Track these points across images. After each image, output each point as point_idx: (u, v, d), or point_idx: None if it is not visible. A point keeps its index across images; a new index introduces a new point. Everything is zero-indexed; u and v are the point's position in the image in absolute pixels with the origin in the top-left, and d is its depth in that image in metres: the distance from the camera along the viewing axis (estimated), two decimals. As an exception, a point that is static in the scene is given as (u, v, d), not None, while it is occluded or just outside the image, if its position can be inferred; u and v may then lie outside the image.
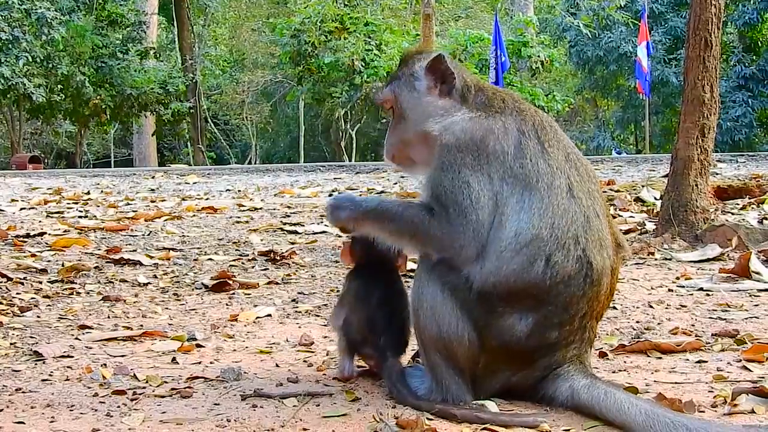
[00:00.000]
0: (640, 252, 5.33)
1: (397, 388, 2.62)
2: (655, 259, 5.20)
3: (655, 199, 7.19)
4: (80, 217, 8.27)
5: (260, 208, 8.81)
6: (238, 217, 8.02)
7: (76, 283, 4.77)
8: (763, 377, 2.80)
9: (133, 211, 8.68)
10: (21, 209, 9.17)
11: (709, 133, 5.50)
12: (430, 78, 2.73)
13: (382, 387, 2.73)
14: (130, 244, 6.33)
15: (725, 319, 3.71)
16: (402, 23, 30.35)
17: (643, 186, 7.97)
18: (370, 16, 27.11)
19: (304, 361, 3.15)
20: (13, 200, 10.29)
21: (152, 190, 12.10)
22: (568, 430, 2.38)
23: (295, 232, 6.87)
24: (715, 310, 3.88)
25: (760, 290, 4.27)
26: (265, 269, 5.23)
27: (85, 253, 5.87)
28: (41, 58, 25.38)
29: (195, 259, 5.59)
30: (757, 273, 4.49)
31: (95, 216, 8.34)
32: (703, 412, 2.50)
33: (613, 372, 2.95)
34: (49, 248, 6.07)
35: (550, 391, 2.54)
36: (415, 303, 2.60)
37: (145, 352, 3.32)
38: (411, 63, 2.81)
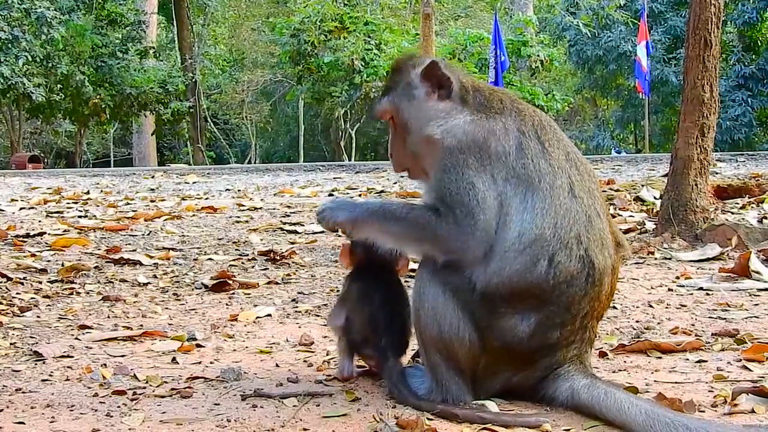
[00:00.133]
0: (640, 251, 5.33)
1: (398, 389, 2.62)
2: (655, 259, 5.20)
3: (655, 198, 7.19)
4: (80, 216, 8.27)
5: (260, 208, 8.81)
6: (238, 217, 8.02)
7: (75, 283, 4.77)
8: (763, 377, 2.80)
9: (133, 211, 8.68)
10: (21, 209, 9.17)
11: (709, 133, 5.50)
12: (427, 84, 2.71)
13: (382, 387, 2.73)
14: (129, 244, 6.33)
15: (725, 318, 3.71)
16: (402, 22, 30.34)
17: (642, 185, 7.97)
18: (369, 15, 27.10)
19: (304, 361, 3.15)
20: (12, 200, 10.28)
21: (152, 189, 12.10)
22: (569, 430, 2.38)
23: (295, 232, 6.87)
24: (715, 310, 3.88)
25: (760, 290, 4.28)
26: (265, 269, 5.23)
27: (85, 252, 5.87)
28: (41, 57, 25.37)
29: (195, 259, 5.59)
30: (757, 272, 4.49)
31: (95, 216, 8.34)
32: (703, 411, 2.51)
33: (613, 372, 2.95)
34: (48, 248, 6.07)
35: (551, 391, 2.54)
36: (416, 303, 2.59)
37: (145, 352, 3.32)
38: (405, 72, 2.77)
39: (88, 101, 27.77)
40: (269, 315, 3.97)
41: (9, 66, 24.25)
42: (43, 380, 2.92)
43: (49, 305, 4.23)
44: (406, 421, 2.36)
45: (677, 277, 4.64)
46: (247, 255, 5.71)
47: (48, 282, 4.80)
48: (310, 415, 2.51)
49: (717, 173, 10.08)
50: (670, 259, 5.18)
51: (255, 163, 34.84)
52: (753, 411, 2.47)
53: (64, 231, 7.07)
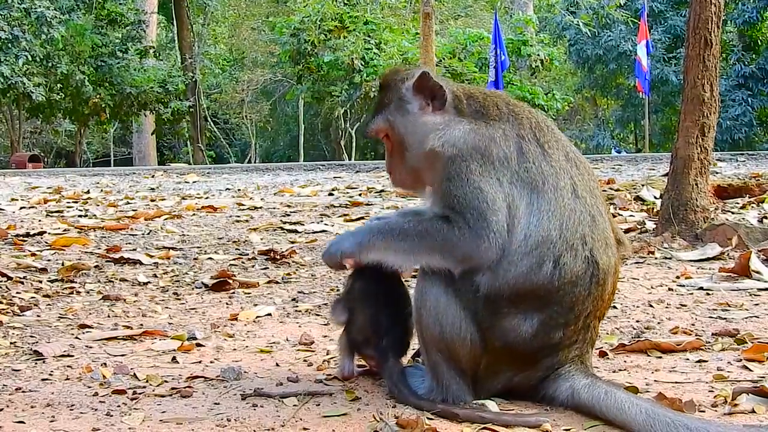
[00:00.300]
0: (640, 251, 5.33)
1: (399, 388, 2.61)
2: (655, 258, 5.20)
3: (655, 198, 7.19)
4: (80, 216, 8.27)
5: (260, 207, 8.81)
6: (238, 216, 8.02)
7: (76, 283, 4.77)
8: (763, 377, 2.80)
9: (133, 210, 8.67)
10: (21, 208, 9.17)
11: (709, 132, 5.50)
12: (420, 97, 2.68)
13: (383, 386, 2.73)
14: (130, 243, 6.33)
15: (725, 318, 3.71)
16: (402, 22, 30.33)
17: (643, 185, 7.97)
18: (369, 14, 27.08)
19: (305, 361, 3.15)
20: (12, 199, 10.29)
21: (152, 189, 12.10)
22: (569, 429, 2.38)
23: (295, 231, 6.87)
24: (716, 310, 3.88)
25: (760, 289, 4.27)
26: (265, 268, 5.23)
27: (85, 252, 5.87)
28: (41, 57, 25.37)
29: (195, 258, 5.59)
30: (757, 272, 4.49)
31: (95, 215, 8.34)
32: (704, 411, 2.50)
33: (614, 371, 2.95)
34: (49, 247, 6.07)
35: (551, 390, 2.54)
36: (418, 302, 2.59)
37: (145, 352, 3.32)
38: (395, 87, 2.74)
39: (88, 101, 27.77)
40: (269, 314, 3.96)
41: (9, 65, 24.25)
42: (43, 379, 2.92)
43: (49, 304, 4.23)
44: (406, 420, 2.36)
45: (677, 277, 4.64)
46: (247, 254, 5.70)
47: (48, 281, 4.80)
48: (310, 415, 2.51)
49: (717, 173, 10.08)
50: (670, 258, 5.18)
51: (255, 162, 34.83)
52: (753, 411, 2.47)
53: (65, 230, 7.07)
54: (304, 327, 3.69)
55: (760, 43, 31.94)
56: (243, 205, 9.08)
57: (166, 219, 7.85)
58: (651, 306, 3.99)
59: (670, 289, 4.37)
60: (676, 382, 2.80)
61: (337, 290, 4.16)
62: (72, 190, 11.80)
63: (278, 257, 5.47)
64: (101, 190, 11.79)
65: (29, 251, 5.83)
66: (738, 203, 6.46)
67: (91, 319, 3.91)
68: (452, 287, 2.50)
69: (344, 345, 2.86)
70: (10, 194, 11.20)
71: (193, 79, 29.68)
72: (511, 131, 2.59)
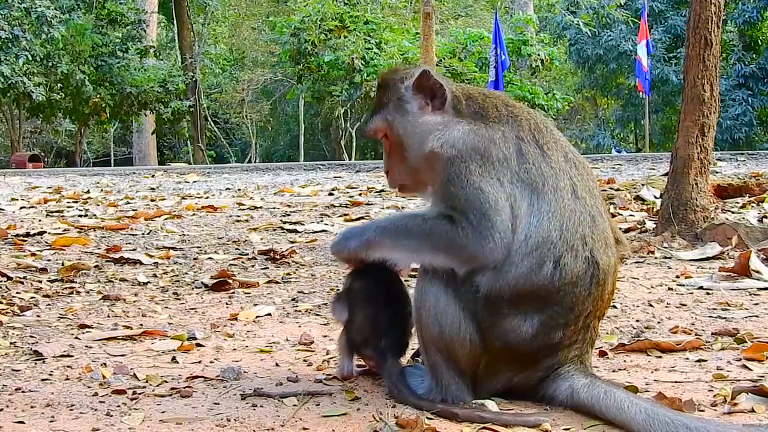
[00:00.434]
0: (640, 251, 5.33)
1: (398, 388, 2.61)
2: (655, 258, 5.20)
3: (655, 197, 7.18)
4: (80, 216, 8.27)
5: (260, 207, 8.81)
6: (238, 216, 8.02)
7: (75, 283, 4.77)
8: (763, 376, 2.80)
9: (133, 210, 8.68)
10: (21, 208, 9.17)
11: (709, 132, 5.50)
12: (420, 96, 2.67)
13: (382, 386, 2.73)
14: (130, 243, 6.33)
15: (725, 317, 3.71)
16: (402, 21, 30.33)
17: (643, 185, 7.97)
18: (369, 14, 27.07)
19: (304, 361, 3.15)
20: (12, 199, 10.29)
21: (152, 188, 12.10)
22: (568, 429, 2.38)
23: (295, 231, 6.87)
24: (715, 309, 3.88)
25: (760, 289, 4.27)
26: (265, 268, 5.23)
27: (85, 252, 5.87)
28: (41, 56, 25.37)
29: (195, 258, 5.59)
30: (757, 271, 4.49)
31: (95, 215, 8.35)
32: (703, 411, 2.51)
33: (613, 371, 2.95)
34: (49, 247, 6.07)
35: (550, 390, 2.55)
36: (417, 302, 2.59)
37: (145, 352, 3.32)
38: (394, 86, 2.73)
39: (88, 100, 27.78)
40: (269, 314, 3.97)
41: (9, 65, 24.25)
42: (43, 380, 2.92)
43: (49, 304, 4.24)
44: (405, 420, 2.36)
45: (677, 276, 4.64)
46: (247, 254, 5.71)
47: (48, 281, 4.80)
48: (309, 415, 2.51)
49: (717, 172, 10.08)
50: (670, 258, 5.18)
51: (255, 162, 34.83)
52: (753, 410, 2.47)
53: (65, 230, 7.07)
54: (304, 327, 3.69)
55: (760, 43, 31.94)
56: (243, 204, 9.08)
57: (166, 219, 7.85)
58: (651, 305, 3.99)
59: (669, 289, 4.37)
60: (676, 382, 2.80)
61: (337, 290, 4.16)
62: (72, 189, 11.81)
63: (278, 257, 5.47)
64: (101, 190, 11.79)
65: (29, 251, 5.83)
66: (738, 203, 6.46)
67: (90, 319, 3.91)
68: (452, 287, 2.50)
69: (343, 345, 2.86)
70: (10, 194, 11.20)
71: (194, 79, 29.69)
72: (510, 133, 2.59)
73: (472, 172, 2.50)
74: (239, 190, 11.47)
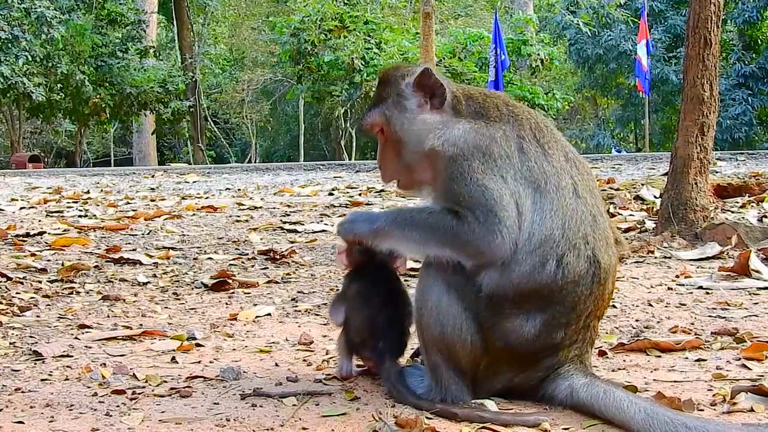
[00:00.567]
0: (640, 250, 5.33)
1: (397, 389, 2.61)
2: (655, 258, 5.20)
3: (655, 197, 7.18)
4: (80, 216, 8.27)
5: (260, 207, 8.81)
6: (238, 216, 8.02)
7: (75, 283, 4.77)
8: (762, 376, 2.80)
9: (133, 210, 8.68)
10: (21, 208, 9.17)
11: (709, 132, 5.50)
12: (420, 94, 2.67)
13: (382, 386, 2.73)
14: (129, 244, 6.33)
15: (725, 317, 3.71)
16: (402, 21, 30.34)
17: (642, 184, 7.97)
18: (369, 14, 27.07)
19: (304, 360, 3.15)
20: (12, 199, 10.29)
21: (152, 189, 12.10)
22: (568, 428, 2.39)
23: (295, 231, 6.87)
24: (715, 309, 3.88)
25: (759, 288, 4.28)
26: (264, 268, 5.23)
27: (85, 252, 5.87)
28: (41, 57, 25.37)
29: (195, 258, 5.59)
30: (757, 271, 4.49)
31: (95, 215, 8.35)
32: (703, 410, 2.51)
33: (613, 370, 2.95)
34: (48, 247, 6.07)
35: (550, 390, 2.55)
36: (419, 302, 2.58)
37: (145, 352, 3.32)
38: (394, 82, 2.72)
39: (88, 101, 27.77)
40: (269, 314, 3.97)
41: (9, 65, 24.25)
42: (43, 380, 2.93)
43: (48, 305, 4.24)
44: (405, 420, 2.36)
45: (677, 276, 4.64)
46: (247, 254, 5.71)
47: (48, 281, 4.80)
48: (309, 415, 2.51)
49: (717, 172, 10.08)
50: (669, 257, 5.18)
51: (255, 162, 34.83)
52: (752, 410, 2.47)
53: (64, 230, 7.07)
54: (304, 327, 3.69)
55: (760, 43, 31.94)
56: (243, 204, 9.08)
57: (166, 219, 7.85)
58: (650, 305, 3.99)
59: (669, 288, 4.37)
60: (675, 381, 2.80)
61: (337, 290, 4.16)
62: (72, 190, 11.81)
63: (278, 257, 5.47)
64: (101, 190, 11.79)
65: (29, 251, 5.83)
66: (738, 202, 6.46)
67: (90, 319, 3.91)
68: (455, 287, 2.50)
69: (342, 345, 2.86)
70: (10, 194, 11.20)
71: (194, 79, 29.68)
72: (511, 132, 2.59)
73: (475, 170, 2.50)
74: (239, 190, 11.47)
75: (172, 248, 6.01)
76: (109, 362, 3.14)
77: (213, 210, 8.55)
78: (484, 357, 2.54)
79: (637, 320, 3.70)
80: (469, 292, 2.49)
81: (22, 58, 24.37)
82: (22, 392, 2.76)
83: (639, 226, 6.07)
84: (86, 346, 3.40)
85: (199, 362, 3.16)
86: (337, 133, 31.22)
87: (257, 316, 3.91)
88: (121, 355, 3.26)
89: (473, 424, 2.40)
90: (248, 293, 4.48)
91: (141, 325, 3.78)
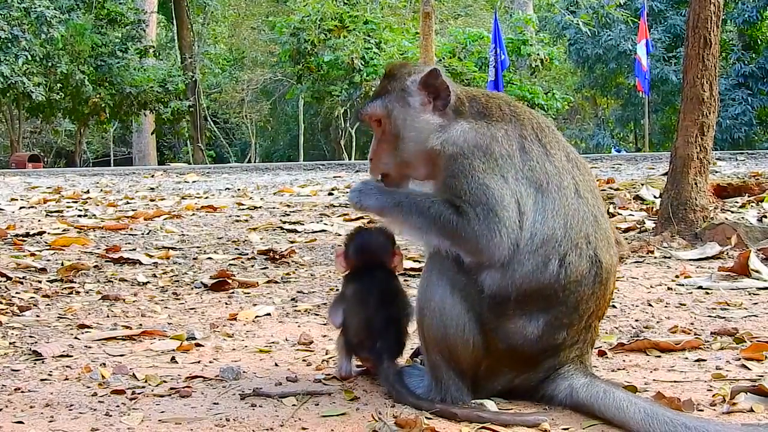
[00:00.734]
0: (640, 250, 5.33)
1: (396, 389, 2.61)
2: (655, 258, 5.20)
3: (655, 197, 7.18)
4: (80, 216, 8.27)
5: (260, 207, 8.81)
6: (238, 216, 8.02)
7: (75, 283, 4.77)
8: (762, 376, 2.80)
9: (133, 210, 8.68)
10: (20, 208, 9.17)
11: (709, 131, 5.50)
12: (424, 93, 2.65)
13: (381, 386, 2.73)
14: (129, 243, 6.33)
15: (724, 317, 3.71)
16: (401, 21, 30.33)
17: (642, 184, 7.96)
18: (369, 14, 27.08)
19: (303, 360, 3.15)
20: (12, 199, 10.29)
21: (152, 188, 12.10)
22: (567, 428, 2.39)
23: (295, 231, 6.87)
24: (715, 309, 3.88)
25: (759, 288, 4.28)
26: (264, 268, 5.23)
27: (85, 252, 5.87)
28: (40, 56, 25.37)
29: (194, 258, 5.59)
30: (757, 271, 4.49)
31: (95, 215, 8.35)
32: (702, 410, 2.51)
33: (612, 371, 2.95)
34: (48, 247, 6.07)
35: (550, 390, 2.55)
36: (421, 302, 2.58)
37: (144, 352, 3.32)
38: (401, 78, 2.71)
39: (87, 100, 27.78)
40: (268, 314, 3.96)
41: (9, 65, 24.26)
42: (42, 380, 2.92)
43: (48, 304, 4.24)
44: (404, 420, 2.36)
45: (677, 276, 4.64)
46: (247, 254, 5.71)
47: (47, 281, 4.80)
48: (309, 415, 2.51)
49: (717, 172, 10.08)
50: (669, 257, 5.18)
51: (255, 162, 34.83)
52: (752, 410, 2.47)
53: (64, 230, 7.07)
54: (303, 327, 3.69)
55: (759, 43, 31.94)
56: (242, 204, 9.08)
57: (165, 219, 7.85)
58: (650, 305, 3.99)
59: (669, 288, 4.37)
60: (675, 381, 2.80)
61: (336, 290, 4.16)
62: (72, 189, 11.81)
63: (278, 257, 5.47)
64: (101, 190, 11.79)
65: (29, 251, 5.83)
66: (737, 202, 6.46)
67: (90, 319, 3.91)
68: (458, 288, 2.50)
69: (342, 345, 2.87)
70: (10, 194, 11.20)
71: (193, 79, 29.68)
72: (513, 131, 2.58)
73: (476, 169, 2.50)
74: (239, 190, 11.47)
75: (172, 248, 6.01)
76: (108, 362, 3.14)
77: (213, 210, 8.55)
78: (486, 358, 2.53)
79: (636, 320, 3.70)
80: (472, 293, 2.49)
81: (22, 57, 24.38)
82: (22, 392, 2.76)
83: (639, 226, 6.07)
84: (86, 346, 3.40)
85: (198, 362, 3.16)
86: (337, 132, 31.22)
87: (257, 316, 3.91)
88: (121, 355, 3.26)
89: (473, 424, 2.40)
90: (248, 293, 4.48)
91: (141, 325, 3.78)
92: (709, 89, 5.47)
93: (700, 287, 4.34)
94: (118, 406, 2.61)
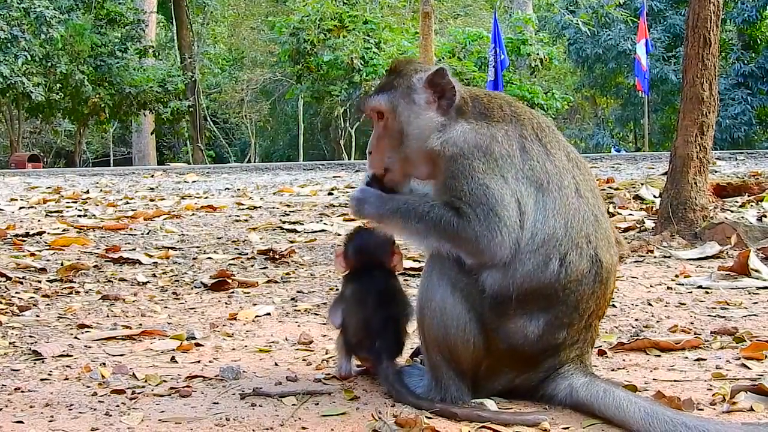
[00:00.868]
0: (639, 250, 5.33)
1: (396, 389, 2.61)
2: (654, 257, 5.20)
3: (654, 197, 7.18)
4: (79, 216, 8.27)
5: (259, 207, 8.81)
6: (238, 216, 8.02)
7: (75, 282, 4.77)
8: (761, 375, 2.80)
9: (133, 210, 8.68)
10: (20, 208, 9.17)
11: (708, 131, 5.50)
12: (430, 92, 2.64)
13: (381, 386, 2.73)
14: (129, 243, 6.33)
15: (724, 316, 3.71)
16: (401, 21, 30.34)
17: (642, 184, 7.96)
18: (369, 14, 27.08)
19: (303, 360, 3.15)
20: (12, 199, 10.29)
21: (151, 188, 12.10)
22: (567, 428, 2.39)
23: (294, 231, 6.87)
24: (714, 308, 3.88)
25: (759, 288, 4.28)
26: (264, 268, 5.23)
27: (85, 252, 5.87)
28: (40, 56, 25.36)
29: (194, 258, 5.59)
30: (756, 270, 4.49)
31: (94, 215, 8.35)
32: (702, 410, 2.51)
33: (612, 370, 2.95)
34: (48, 247, 6.07)
35: (550, 389, 2.55)
36: (421, 302, 2.58)
37: (144, 351, 3.32)
38: (407, 74, 2.69)
39: (87, 100, 27.78)
40: (268, 314, 3.96)
41: (8, 65, 24.25)
42: (42, 379, 2.92)
43: (48, 304, 4.23)
44: (404, 419, 2.36)
45: (676, 276, 4.64)
46: (247, 254, 5.71)
47: (47, 281, 4.80)
48: (308, 414, 2.51)
49: (716, 171, 10.08)
50: (669, 257, 5.18)
51: (254, 162, 34.82)
52: (752, 409, 2.47)
53: (64, 230, 7.07)
54: (303, 326, 3.69)
55: (759, 42, 31.95)
56: (242, 204, 9.08)
57: (165, 219, 7.85)
58: (650, 304, 3.99)
59: (669, 288, 4.37)
60: (675, 381, 2.80)
61: (336, 290, 4.16)
62: (71, 190, 11.80)
63: (277, 257, 5.47)
64: (101, 190, 11.79)
65: (28, 251, 5.83)
66: (737, 202, 6.46)
67: (90, 318, 3.91)
68: (459, 288, 2.49)
69: (341, 345, 2.87)
70: (10, 194, 11.20)
71: (193, 79, 29.68)
72: (513, 131, 2.58)
73: (476, 169, 2.50)
74: (238, 189, 11.47)
75: (172, 248, 6.01)
76: (108, 362, 3.14)
77: (212, 210, 8.55)
78: (486, 358, 2.54)
79: (636, 320, 3.70)
80: (474, 292, 2.49)
81: (22, 57, 24.37)
82: (22, 392, 2.76)
83: (638, 226, 6.07)
84: (86, 346, 3.40)
85: (198, 362, 3.16)
86: (337, 132, 31.22)
87: (257, 316, 3.91)
88: (121, 355, 3.26)
89: (473, 423, 2.40)
90: (248, 293, 4.48)
91: (140, 324, 3.78)
92: (708, 89, 5.47)
93: (700, 287, 4.34)
94: (118, 405, 2.61)
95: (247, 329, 3.69)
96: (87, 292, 4.53)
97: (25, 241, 6.42)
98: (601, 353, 3.14)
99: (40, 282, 4.76)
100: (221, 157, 36.33)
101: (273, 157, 36.95)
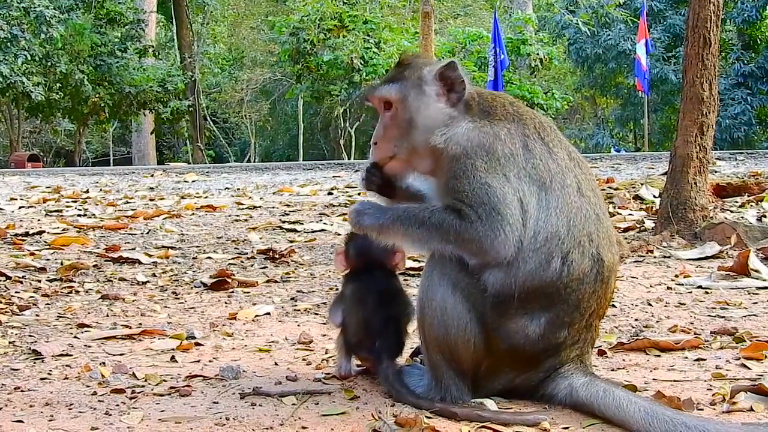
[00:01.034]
0: (639, 250, 5.33)
1: (396, 389, 2.61)
2: (654, 257, 5.20)
3: (654, 197, 7.18)
4: (79, 215, 8.27)
5: (259, 207, 8.81)
6: (237, 216, 8.02)
7: (75, 282, 4.77)
8: (761, 375, 2.80)
9: (132, 210, 8.68)
10: (20, 208, 9.17)
11: (708, 131, 5.50)
12: (440, 84, 2.64)
13: (381, 385, 2.73)
14: (129, 243, 6.33)
15: (724, 317, 3.71)
16: (401, 21, 30.33)
17: (642, 184, 7.97)
18: (368, 14, 27.08)
19: (303, 360, 3.15)
20: (12, 199, 10.28)
21: (151, 188, 12.09)
22: (567, 428, 2.39)
23: (294, 231, 6.87)
24: (714, 308, 3.88)
25: (758, 288, 4.28)
26: (264, 267, 5.23)
27: (84, 251, 5.87)
28: (40, 56, 25.36)
29: (194, 258, 5.59)
30: (756, 271, 4.49)
31: (94, 214, 8.34)
32: (702, 410, 2.51)
33: (612, 370, 2.95)
34: (48, 247, 6.07)
35: (549, 389, 2.55)
36: (422, 302, 2.58)
37: (144, 351, 3.32)
38: (417, 66, 2.69)
39: (87, 100, 27.78)
40: (268, 313, 3.96)
41: (8, 65, 24.25)
42: (42, 379, 2.92)
43: (48, 304, 4.23)
44: (404, 419, 2.36)
45: (676, 276, 4.64)
46: (246, 253, 5.71)
47: (47, 281, 4.80)
48: (308, 414, 2.51)
49: (716, 171, 10.08)
50: (669, 257, 5.18)
51: (254, 161, 34.82)
52: (751, 409, 2.47)
53: (64, 230, 7.07)
54: (303, 326, 3.69)
55: (759, 42, 31.95)
56: (242, 204, 9.08)
57: (165, 218, 7.85)
58: (650, 304, 3.99)
59: (668, 288, 4.37)
60: (675, 381, 2.80)
61: (336, 290, 4.16)
62: (71, 189, 11.80)
63: (277, 256, 5.47)
64: (100, 190, 11.79)
65: (28, 250, 5.83)
66: (737, 202, 6.46)
67: (89, 318, 3.91)
68: (460, 287, 2.49)
69: (341, 345, 2.87)
70: (9, 194, 11.19)
71: (193, 79, 29.68)
72: (515, 130, 2.59)
73: (478, 168, 2.50)
74: (238, 189, 11.47)
75: (172, 247, 6.01)
76: (108, 361, 3.14)
77: (212, 209, 8.55)
78: (487, 358, 2.53)
79: (636, 319, 3.70)
80: (475, 292, 2.49)
81: (21, 57, 24.38)
82: (22, 391, 2.76)
83: (638, 226, 6.08)
84: (85, 345, 3.40)
85: (198, 361, 3.16)
86: (336, 132, 31.22)
87: (256, 316, 3.91)
88: (121, 354, 3.26)
89: (473, 423, 2.40)
90: (247, 292, 4.48)
91: (140, 324, 3.78)
92: (708, 89, 5.47)
93: (700, 287, 4.34)
94: (117, 405, 2.61)
95: (246, 329, 3.69)
96: (87, 292, 4.53)
97: (24, 240, 6.42)
98: (601, 353, 3.14)
99: (39, 281, 4.76)
100: (221, 157, 36.33)
101: (273, 157, 36.95)
